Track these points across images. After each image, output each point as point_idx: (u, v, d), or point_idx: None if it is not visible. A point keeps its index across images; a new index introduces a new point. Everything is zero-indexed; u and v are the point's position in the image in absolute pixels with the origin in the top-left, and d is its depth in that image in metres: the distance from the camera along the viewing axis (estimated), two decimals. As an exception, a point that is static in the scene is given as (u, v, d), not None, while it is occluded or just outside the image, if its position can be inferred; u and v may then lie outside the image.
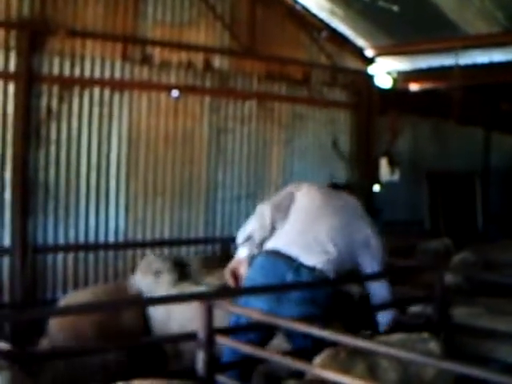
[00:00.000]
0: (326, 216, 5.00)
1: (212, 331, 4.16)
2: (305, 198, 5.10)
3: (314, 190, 5.19)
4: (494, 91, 12.68)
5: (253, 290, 4.52)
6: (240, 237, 5.08)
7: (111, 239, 8.44)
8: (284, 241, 4.87)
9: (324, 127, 10.61)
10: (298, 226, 4.94)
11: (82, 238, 8.18)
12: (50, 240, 7.95)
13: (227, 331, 4.45)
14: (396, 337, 4.72)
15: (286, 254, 4.80)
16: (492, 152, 14.33)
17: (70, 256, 8.10)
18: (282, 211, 5.02)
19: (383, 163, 11.22)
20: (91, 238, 8.26)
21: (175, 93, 8.80)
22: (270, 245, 4.90)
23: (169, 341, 4.52)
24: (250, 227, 5.06)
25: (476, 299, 6.26)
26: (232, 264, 5.01)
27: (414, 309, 6.17)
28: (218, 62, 9.29)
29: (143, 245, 8.66)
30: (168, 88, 8.77)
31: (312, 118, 10.46)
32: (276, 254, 4.81)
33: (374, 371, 4.18)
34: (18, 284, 7.59)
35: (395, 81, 11.15)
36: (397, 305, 6.29)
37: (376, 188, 11.11)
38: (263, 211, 5.07)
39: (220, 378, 4.18)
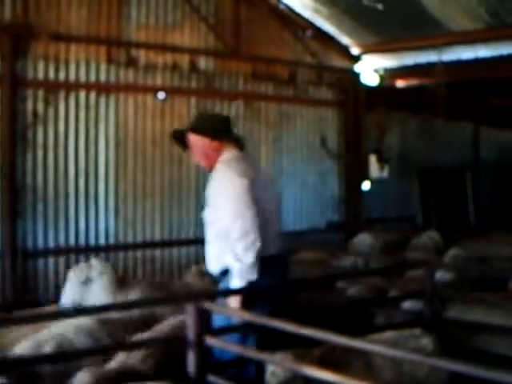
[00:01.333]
0: (271, 200, 4.91)
1: (202, 332, 4.15)
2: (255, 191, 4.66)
3: (255, 181, 4.71)
4: (482, 86, 12.71)
5: (241, 291, 4.50)
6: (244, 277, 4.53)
7: (101, 242, 8.41)
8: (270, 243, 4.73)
9: (312, 126, 10.64)
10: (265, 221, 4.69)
11: (72, 242, 8.16)
12: (40, 244, 7.92)
13: (217, 332, 4.43)
14: (388, 334, 4.73)
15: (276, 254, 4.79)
16: (481, 146, 14.37)
17: (61, 259, 8.07)
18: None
19: (372, 160, 11.24)
20: (81, 242, 8.24)
21: (161, 95, 8.78)
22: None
23: (158, 343, 4.51)
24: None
25: (469, 294, 6.27)
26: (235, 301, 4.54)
27: (406, 305, 6.18)
28: (203, 63, 9.28)
29: (134, 247, 8.64)
30: (154, 90, 8.76)
31: (299, 117, 10.48)
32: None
33: (370, 368, 4.18)
34: (8, 289, 7.57)
35: (382, 78, 11.16)
36: (389, 301, 6.32)
37: (366, 185, 11.12)
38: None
39: (211, 378, 4.17)
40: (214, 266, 4.78)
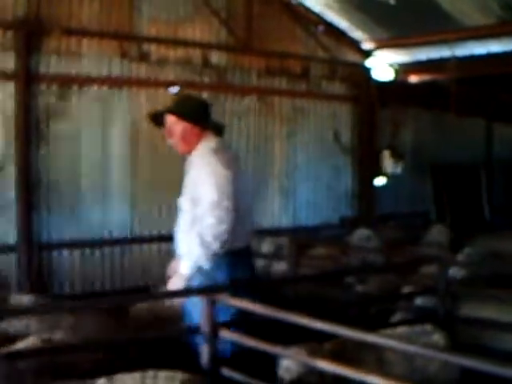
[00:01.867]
0: (248, 194, 4.96)
1: (216, 325, 4.16)
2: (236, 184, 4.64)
3: (237, 174, 4.70)
4: (495, 82, 12.64)
5: (255, 283, 4.52)
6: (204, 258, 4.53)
7: (116, 235, 8.45)
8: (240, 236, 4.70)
9: (325, 121, 10.65)
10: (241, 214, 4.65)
11: (87, 235, 8.18)
12: (55, 237, 7.95)
13: (231, 325, 4.44)
14: (400, 330, 4.74)
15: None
16: (494, 143, 14.31)
17: (76, 252, 8.11)
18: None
19: (386, 156, 11.22)
20: (96, 235, 8.27)
21: (174, 89, 8.78)
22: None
23: (173, 335, 4.52)
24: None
25: (481, 291, 6.24)
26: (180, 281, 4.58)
27: (419, 301, 6.17)
28: (215, 57, 9.29)
29: (150, 240, 8.65)
30: (166, 84, 8.75)
31: (313, 112, 10.48)
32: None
33: (382, 363, 4.19)
34: (24, 281, 7.63)
35: (395, 73, 11.14)
36: (401, 297, 6.31)
37: (379, 181, 11.11)
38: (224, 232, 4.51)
39: (225, 371, 4.18)
40: (185, 249, 4.68)
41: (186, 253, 4.58)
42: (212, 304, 4.13)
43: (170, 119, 4.75)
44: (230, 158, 4.71)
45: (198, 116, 4.75)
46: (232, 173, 4.55)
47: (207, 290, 4.24)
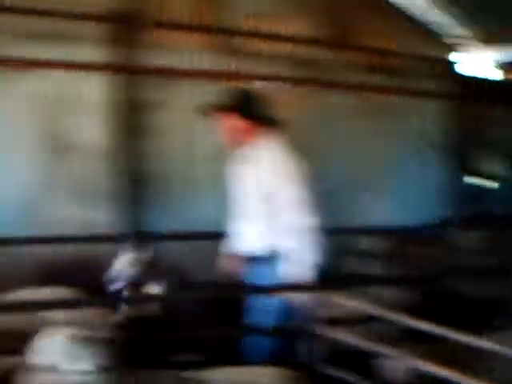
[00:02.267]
0: None
1: (318, 322, 4.15)
2: None
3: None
4: None
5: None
6: None
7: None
8: None
9: (420, 118, 10.49)
10: None
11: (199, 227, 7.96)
12: (163, 229, 7.75)
13: (332, 322, 4.40)
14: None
15: None
16: None
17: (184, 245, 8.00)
18: None
19: (490, 157, 11.06)
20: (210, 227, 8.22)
21: (264, 84, 8.71)
22: None
23: (275, 333, 4.53)
24: None
25: None
26: None
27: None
28: (308, 52, 9.19)
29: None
30: (260, 79, 8.68)
31: (406, 109, 10.31)
32: None
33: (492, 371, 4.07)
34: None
35: (493, 71, 10.97)
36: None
37: (478, 181, 10.93)
38: None
39: (324, 367, 4.16)
40: (257, 245, 4.75)
41: (294, 257, 4.58)
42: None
43: (224, 113, 4.75)
44: (290, 152, 4.82)
45: (253, 111, 4.81)
46: (299, 167, 4.69)
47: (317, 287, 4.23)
